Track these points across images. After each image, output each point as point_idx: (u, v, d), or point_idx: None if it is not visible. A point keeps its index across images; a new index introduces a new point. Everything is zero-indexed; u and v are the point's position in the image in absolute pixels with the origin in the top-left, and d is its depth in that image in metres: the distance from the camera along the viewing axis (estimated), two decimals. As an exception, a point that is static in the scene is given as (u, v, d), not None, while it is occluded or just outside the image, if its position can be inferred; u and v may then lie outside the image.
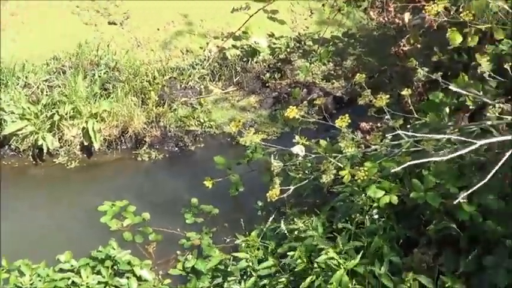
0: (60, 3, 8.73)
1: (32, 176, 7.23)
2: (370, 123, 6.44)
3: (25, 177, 7.25)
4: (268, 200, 5.30)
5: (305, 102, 6.88)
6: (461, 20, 5.50)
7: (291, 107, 5.31)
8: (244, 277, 6.28)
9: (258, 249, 6.25)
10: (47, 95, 7.19)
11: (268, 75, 8.09)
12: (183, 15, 8.67)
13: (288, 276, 6.04)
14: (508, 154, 4.43)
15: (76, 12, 8.63)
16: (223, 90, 8.10)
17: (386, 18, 7.87)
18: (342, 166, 5.66)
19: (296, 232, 6.19)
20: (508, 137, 4.62)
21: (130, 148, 7.44)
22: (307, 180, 5.91)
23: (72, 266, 6.41)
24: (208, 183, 5.88)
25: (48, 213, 6.95)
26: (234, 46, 8.36)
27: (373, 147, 5.43)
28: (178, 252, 6.60)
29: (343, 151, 5.34)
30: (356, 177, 5.37)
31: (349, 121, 5.16)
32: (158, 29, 8.52)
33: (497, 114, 5.08)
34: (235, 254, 6.29)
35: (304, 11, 9.00)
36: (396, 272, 5.68)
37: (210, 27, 8.51)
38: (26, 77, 7.47)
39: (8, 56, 7.82)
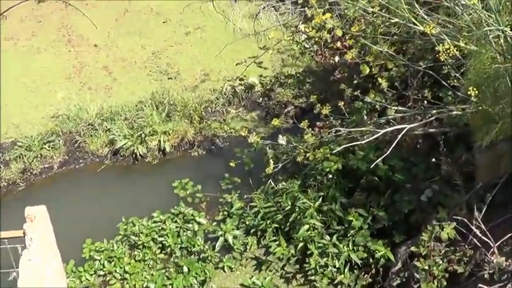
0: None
1: (134, 169, 9.39)
2: (322, 123, 7.65)
3: (130, 170, 9.38)
4: (267, 172, 7.22)
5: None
6: (368, 59, 7.26)
7: (275, 118, 7.35)
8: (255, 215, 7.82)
9: (263, 199, 7.85)
10: (137, 123, 9.15)
11: (260, 99, 10.05)
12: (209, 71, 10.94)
13: (282, 213, 7.61)
14: (400, 135, 5.93)
15: (149, 74, 11.04)
16: (236, 110, 10.18)
17: (325, 61, 9.16)
18: (307, 150, 7.33)
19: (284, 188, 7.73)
20: (401, 126, 6.10)
21: (186, 149, 9.41)
22: (288, 160, 7.57)
23: (160, 219, 8.05)
24: (232, 164, 7.70)
25: (147, 186, 8.96)
26: (240, 84, 10.37)
27: (324, 137, 7.11)
28: (219, 206, 8.33)
29: (307, 140, 7.04)
30: (316, 156, 7.17)
31: (309, 123, 6.93)
32: (196, 79, 10.55)
33: (393, 113, 6.74)
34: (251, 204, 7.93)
35: (278, 60, 11.11)
36: (344, 208, 7.37)
37: (226, 75, 10.57)
38: (125, 114, 9.71)
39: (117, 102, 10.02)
